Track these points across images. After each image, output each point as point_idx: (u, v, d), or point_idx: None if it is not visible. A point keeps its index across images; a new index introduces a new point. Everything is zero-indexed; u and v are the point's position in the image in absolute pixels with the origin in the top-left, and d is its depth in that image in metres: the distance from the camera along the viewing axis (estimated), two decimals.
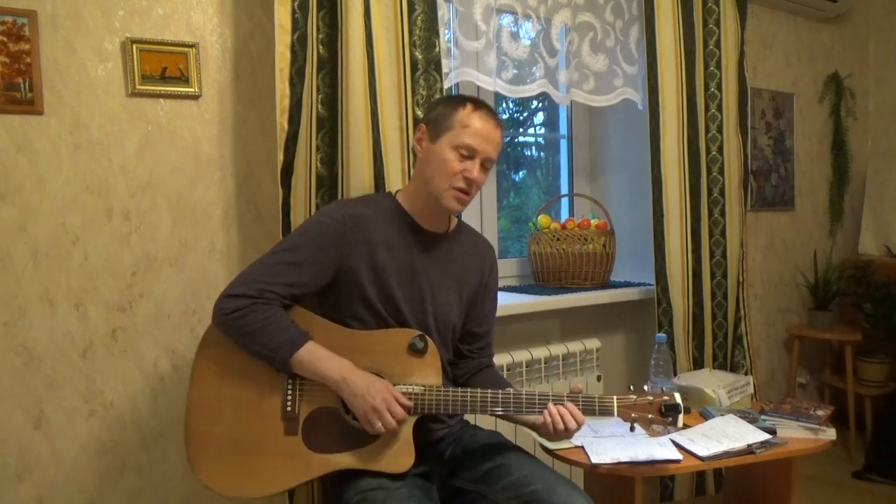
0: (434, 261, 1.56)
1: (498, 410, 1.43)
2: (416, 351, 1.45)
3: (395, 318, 1.51)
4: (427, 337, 1.47)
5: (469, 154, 1.47)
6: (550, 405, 1.42)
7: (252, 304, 1.39)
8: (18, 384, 1.59)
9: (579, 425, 1.42)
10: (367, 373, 1.40)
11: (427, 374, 1.44)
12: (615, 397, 1.45)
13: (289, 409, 1.42)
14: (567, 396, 1.44)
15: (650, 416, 1.45)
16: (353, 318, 1.49)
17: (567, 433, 1.42)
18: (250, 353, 1.41)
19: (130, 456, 1.73)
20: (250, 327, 1.38)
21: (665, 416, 1.45)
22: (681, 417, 1.46)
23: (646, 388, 1.49)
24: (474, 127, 1.47)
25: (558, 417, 1.40)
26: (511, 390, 1.45)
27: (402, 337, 1.46)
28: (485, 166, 1.50)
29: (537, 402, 1.43)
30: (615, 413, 1.45)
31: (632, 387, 1.50)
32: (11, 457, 1.59)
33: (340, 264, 1.48)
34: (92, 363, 1.67)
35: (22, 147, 1.58)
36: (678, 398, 1.46)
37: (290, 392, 1.42)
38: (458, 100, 1.53)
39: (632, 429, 1.46)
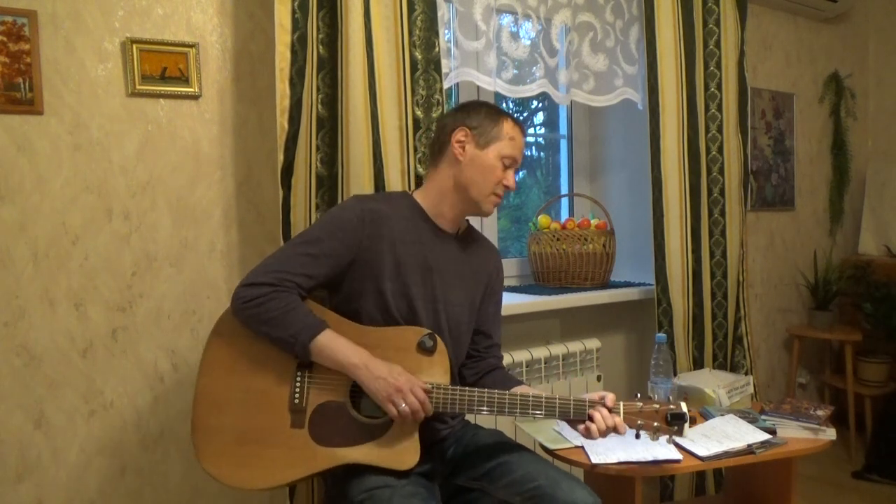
0: (447, 260, 1.57)
1: (504, 411, 1.43)
2: (426, 349, 1.45)
3: (407, 315, 1.51)
4: (436, 336, 1.47)
5: (510, 164, 1.57)
6: (601, 408, 1.42)
7: (273, 291, 1.40)
8: (18, 384, 1.59)
9: (619, 431, 1.44)
10: (387, 361, 1.41)
11: (435, 373, 1.45)
12: (622, 403, 1.46)
13: (296, 401, 1.42)
14: (574, 400, 1.44)
15: (656, 423, 1.45)
16: (362, 313, 1.50)
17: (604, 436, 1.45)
18: (269, 341, 1.41)
19: (130, 456, 1.73)
20: (270, 314, 1.39)
21: (671, 426, 1.44)
22: (686, 427, 1.46)
23: (653, 396, 1.49)
24: (518, 140, 1.58)
25: (601, 422, 1.42)
26: (518, 391, 1.45)
27: (411, 334, 1.47)
28: None
29: (544, 404, 1.43)
30: (621, 418, 1.45)
31: (638, 394, 1.50)
32: (11, 457, 1.59)
33: (357, 257, 1.49)
34: (92, 363, 1.67)
35: (22, 147, 1.58)
36: (684, 407, 1.45)
37: (298, 385, 1.43)
38: (497, 111, 1.59)
39: (637, 436, 1.46)
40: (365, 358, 1.39)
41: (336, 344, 1.40)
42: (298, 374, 1.43)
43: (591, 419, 1.42)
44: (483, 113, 1.57)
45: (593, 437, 1.43)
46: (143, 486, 1.75)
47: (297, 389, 1.43)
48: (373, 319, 1.49)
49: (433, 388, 1.41)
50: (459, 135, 1.55)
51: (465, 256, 1.62)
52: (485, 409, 1.42)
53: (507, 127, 1.56)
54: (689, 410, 1.47)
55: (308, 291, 1.47)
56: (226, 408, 1.41)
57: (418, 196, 1.60)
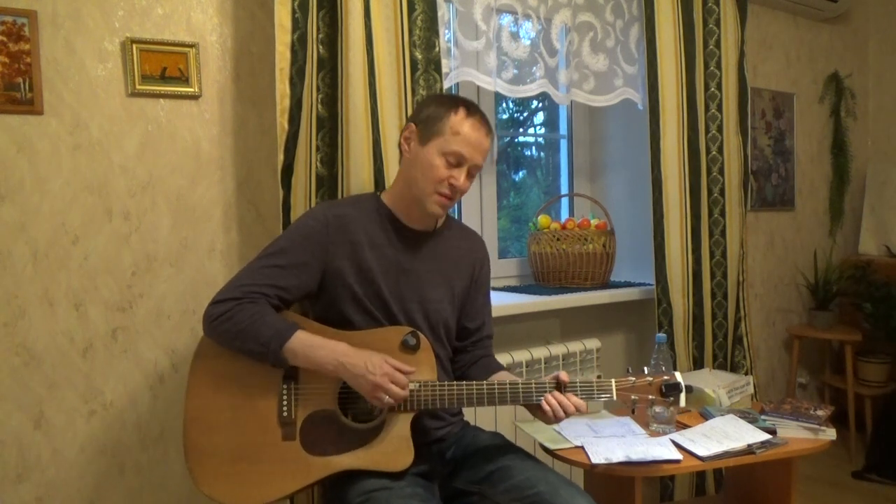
0: (421, 259, 1.56)
1: (494, 402, 1.43)
2: (409, 348, 1.45)
3: (386, 317, 1.51)
4: (419, 333, 1.47)
5: (457, 162, 1.46)
6: (547, 395, 1.41)
7: (237, 304, 1.39)
8: (18, 384, 1.59)
9: (580, 409, 1.42)
10: (362, 350, 1.40)
11: (421, 371, 1.44)
12: (614, 380, 1.45)
13: (285, 414, 1.41)
14: (561, 383, 1.44)
15: (651, 396, 1.44)
16: (344, 320, 1.49)
17: (567, 417, 1.42)
18: (244, 354, 1.41)
19: (130, 456, 1.73)
20: (238, 326, 1.38)
21: (666, 396, 1.43)
22: (682, 397, 1.45)
23: (645, 370, 1.48)
24: (465, 135, 1.45)
25: (557, 406, 1.40)
26: (508, 382, 1.45)
27: (394, 335, 1.46)
28: (471, 173, 1.49)
29: (535, 391, 1.43)
30: (614, 396, 1.44)
31: (630, 369, 1.49)
32: (11, 457, 1.59)
33: (327, 265, 1.48)
34: (92, 363, 1.67)
35: (22, 147, 1.58)
36: (679, 377, 1.44)
37: (285, 397, 1.42)
38: (450, 102, 1.50)
39: (632, 411, 1.45)
40: (340, 355, 1.38)
41: (308, 346, 1.38)
42: (284, 386, 1.43)
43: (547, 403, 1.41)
44: (433, 106, 1.50)
45: (550, 420, 1.42)
46: (143, 486, 1.75)
47: (285, 402, 1.42)
48: (356, 324, 1.49)
49: (420, 386, 1.41)
50: (406, 132, 1.52)
51: (444, 251, 1.60)
52: (474, 401, 1.43)
53: (455, 120, 1.45)
54: (682, 380, 1.46)
55: (284, 303, 1.46)
56: (216, 428, 1.40)
57: (385, 197, 1.58)
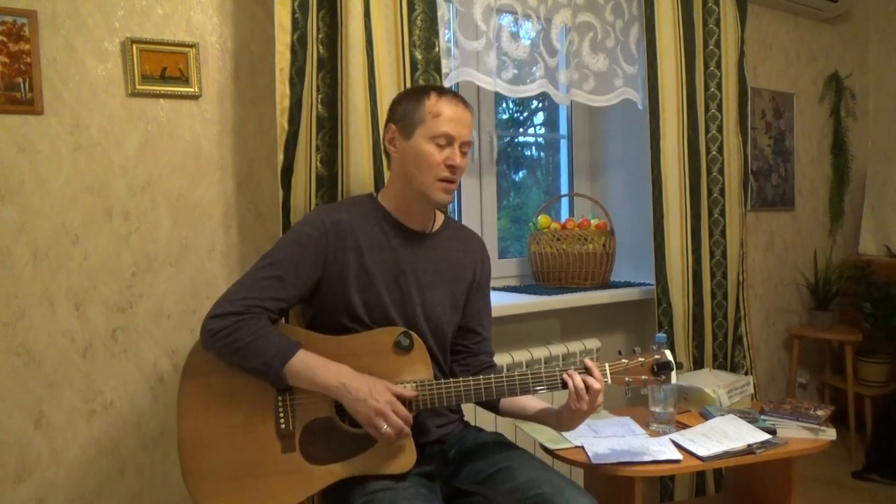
0: (421, 260, 1.54)
1: (492, 395, 1.43)
2: (403, 348, 1.44)
3: (383, 323, 1.49)
4: (412, 333, 1.45)
5: (447, 142, 1.46)
6: (570, 372, 1.42)
7: (239, 320, 1.36)
8: (18, 384, 1.59)
9: (600, 384, 1.42)
10: (365, 375, 1.38)
11: (417, 370, 1.43)
12: (607, 364, 1.45)
13: (282, 426, 1.40)
14: (558, 370, 1.44)
15: (644, 377, 1.45)
16: (338, 326, 1.48)
17: (593, 398, 1.41)
18: (243, 371, 1.38)
19: (130, 456, 1.73)
20: (240, 343, 1.35)
21: (658, 375, 1.45)
22: (674, 374, 1.46)
23: (635, 350, 1.49)
24: (446, 114, 1.45)
25: (580, 381, 1.40)
26: (504, 375, 1.44)
27: (386, 336, 1.45)
28: (463, 150, 1.49)
29: (531, 381, 1.42)
30: (609, 380, 1.45)
31: (621, 351, 1.50)
32: (11, 457, 1.59)
33: (325, 272, 1.46)
34: (92, 363, 1.67)
35: (22, 147, 1.58)
36: (669, 355, 1.46)
37: (281, 409, 1.40)
38: (419, 91, 1.50)
39: (627, 393, 1.47)
40: (342, 377, 1.36)
41: (309, 367, 1.36)
42: (280, 398, 1.41)
43: (564, 384, 1.42)
44: (405, 101, 1.50)
45: (574, 402, 1.41)
46: (143, 486, 1.75)
47: (282, 414, 1.40)
48: (349, 331, 1.47)
49: (417, 385, 1.40)
50: (388, 134, 1.52)
51: (444, 253, 1.58)
52: (472, 397, 1.42)
53: (430, 104, 1.45)
54: (674, 358, 1.47)
55: (280, 313, 1.45)
56: (213, 447, 1.38)
57: (382, 198, 1.57)
